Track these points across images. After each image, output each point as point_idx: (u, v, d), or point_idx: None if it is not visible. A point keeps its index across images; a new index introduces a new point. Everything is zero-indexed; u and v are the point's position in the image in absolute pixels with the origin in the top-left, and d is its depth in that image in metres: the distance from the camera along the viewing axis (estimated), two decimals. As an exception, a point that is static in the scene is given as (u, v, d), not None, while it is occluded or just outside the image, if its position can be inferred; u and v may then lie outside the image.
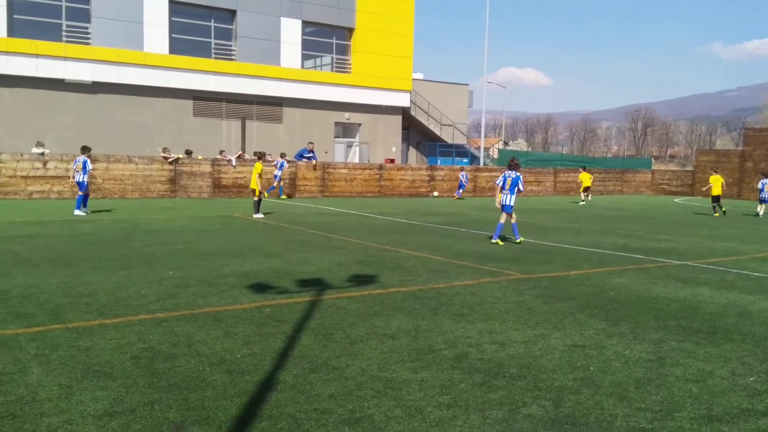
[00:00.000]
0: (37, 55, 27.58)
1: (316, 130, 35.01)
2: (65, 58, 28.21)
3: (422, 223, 17.08)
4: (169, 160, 24.55)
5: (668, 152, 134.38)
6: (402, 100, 38.32)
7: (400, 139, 39.58)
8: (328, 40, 36.36)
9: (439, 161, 40.58)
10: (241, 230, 14.37)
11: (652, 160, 67.47)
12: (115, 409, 4.00)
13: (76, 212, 16.73)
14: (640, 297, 7.98)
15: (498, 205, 13.13)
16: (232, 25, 32.96)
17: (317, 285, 8.06)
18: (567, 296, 7.88)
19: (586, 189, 30.16)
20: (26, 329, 5.73)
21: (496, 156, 50.31)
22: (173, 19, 31.03)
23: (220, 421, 3.88)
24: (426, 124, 42.07)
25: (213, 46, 32.59)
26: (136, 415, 3.93)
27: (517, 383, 4.68)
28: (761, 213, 23.41)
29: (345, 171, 29.49)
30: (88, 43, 29.02)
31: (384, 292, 7.80)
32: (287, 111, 34.65)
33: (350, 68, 36.60)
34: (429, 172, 32.22)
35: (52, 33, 28.37)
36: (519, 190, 12.81)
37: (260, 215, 17.24)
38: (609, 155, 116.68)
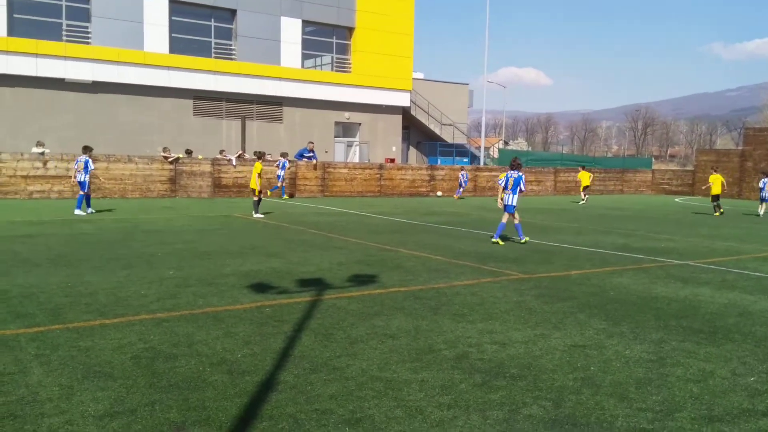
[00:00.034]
0: (37, 55, 27.58)
1: (316, 130, 35.00)
2: (65, 58, 28.20)
3: (422, 223, 17.07)
4: (170, 159, 24.55)
5: (668, 152, 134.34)
6: (402, 100, 38.32)
7: (400, 138, 39.57)
8: (328, 39, 36.35)
9: (439, 161, 40.58)
10: (241, 230, 14.37)
11: (653, 160, 67.46)
12: (116, 410, 4.00)
13: (77, 212, 16.73)
14: (641, 297, 7.98)
15: (500, 206, 13.13)
16: (232, 24, 32.95)
17: (317, 285, 8.06)
18: (567, 296, 7.87)
19: (585, 188, 30.14)
20: (27, 329, 5.72)
21: (496, 156, 50.30)
22: (173, 18, 31.02)
23: (221, 422, 3.88)
24: (426, 123, 42.06)
25: (213, 45, 32.58)
26: (137, 415, 3.93)
27: (518, 383, 4.68)
28: (762, 213, 23.40)
29: (345, 171, 29.49)
30: (88, 43, 29.02)
31: (384, 292, 7.80)
32: (287, 110, 34.64)
33: (350, 68, 36.59)
34: (429, 172, 32.21)
35: (52, 32, 28.36)
36: (521, 190, 12.81)
37: (260, 215, 17.24)
38: (609, 155, 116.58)
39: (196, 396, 4.26)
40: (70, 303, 6.75)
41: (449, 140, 43.55)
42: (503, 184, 12.99)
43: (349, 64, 36.63)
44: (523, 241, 12.88)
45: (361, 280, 8.51)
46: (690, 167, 56.48)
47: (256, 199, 17.42)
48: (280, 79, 33.68)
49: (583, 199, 29.77)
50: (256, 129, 33.30)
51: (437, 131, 42.80)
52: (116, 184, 23.30)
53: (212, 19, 32.53)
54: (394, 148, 38.73)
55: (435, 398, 4.34)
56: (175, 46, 31.02)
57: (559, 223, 18.19)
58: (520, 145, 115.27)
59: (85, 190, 17.11)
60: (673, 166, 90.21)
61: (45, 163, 21.99)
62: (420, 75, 45.29)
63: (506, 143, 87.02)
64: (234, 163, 26.08)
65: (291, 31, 34.07)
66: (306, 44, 35.20)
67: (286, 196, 25.99)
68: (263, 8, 33.00)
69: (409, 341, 5.70)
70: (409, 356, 5.26)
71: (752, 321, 6.88)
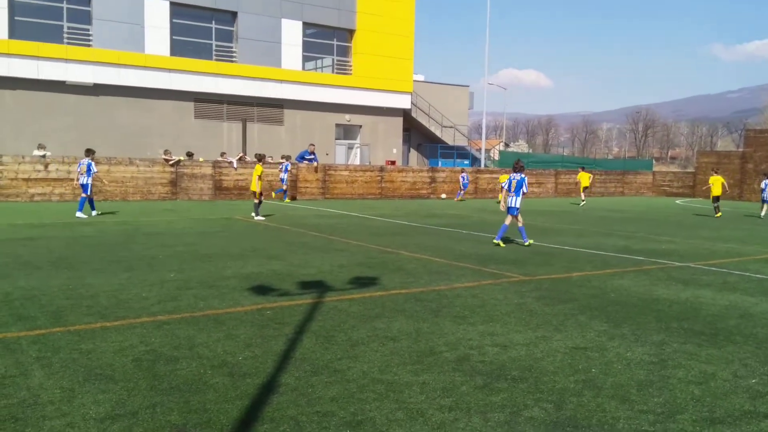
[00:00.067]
0: (38, 57, 27.62)
1: (317, 132, 35.02)
2: (66, 60, 28.25)
3: (423, 225, 17.07)
4: (170, 162, 24.57)
5: (669, 154, 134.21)
6: (403, 102, 38.34)
7: (401, 140, 39.59)
8: (328, 41, 36.40)
9: (440, 163, 40.59)
10: (242, 232, 14.38)
11: (653, 162, 67.38)
12: (117, 412, 4.00)
13: (78, 215, 16.73)
14: (642, 299, 7.97)
15: (503, 208, 13.12)
16: (233, 26, 33.00)
17: (318, 287, 8.06)
18: (568, 298, 7.87)
19: (585, 189, 30.14)
20: (28, 332, 5.73)
21: (497, 157, 50.29)
22: (174, 20, 31.07)
23: (222, 424, 3.88)
24: (427, 125, 42.08)
25: (214, 47, 32.63)
26: (138, 418, 3.93)
27: (519, 386, 4.68)
28: (763, 214, 23.38)
29: (346, 173, 29.50)
30: (89, 45, 29.07)
31: (385, 294, 7.80)
32: (288, 113, 34.66)
33: (351, 70, 36.62)
34: (430, 174, 32.22)
35: (53, 35, 28.42)
36: (523, 192, 12.81)
37: (261, 217, 17.25)
38: (610, 157, 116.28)
39: (197, 398, 4.26)
40: (72, 305, 6.76)
41: (450, 142, 43.57)
42: (506, 187, 12.99)
43: (350, 66, 36.66)
44: (526, 243, 12.86)
45: (362, 282, 8.51)
46: (691, 169, 56.43)
47: (256, 201, 17.43)
48: (281, 81, 33.71)
49: (583, 200, 29.77)
50: (256, 131, 33.33)
51: (438, 133, 42.83)
52: (117, 186, 23.32)
53: (213, 22, 32.58)
54: (394, 151, 38.75)
55: (436, 400, 4.34)
56: (176, 49, 31.07)
57: (559, 225, 18.18)
58: (520, 147, 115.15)
59: (87, 193, 17.12)
60: (673, 168, 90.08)
61: (46, 166, 22.02)
62: (420, 77, 45.32)
63: (507, 145, 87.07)
64: (235, 165, 26.10)
65: (292, 33, 34.11)
66: (307, 46, 35.24)
67: (287, 200, 26.00)
68: (264, 10, 33.05)
69: (410, 343, 5.70)
70: (410, 358, 5.26)
71: (753, 323, 6.87)
